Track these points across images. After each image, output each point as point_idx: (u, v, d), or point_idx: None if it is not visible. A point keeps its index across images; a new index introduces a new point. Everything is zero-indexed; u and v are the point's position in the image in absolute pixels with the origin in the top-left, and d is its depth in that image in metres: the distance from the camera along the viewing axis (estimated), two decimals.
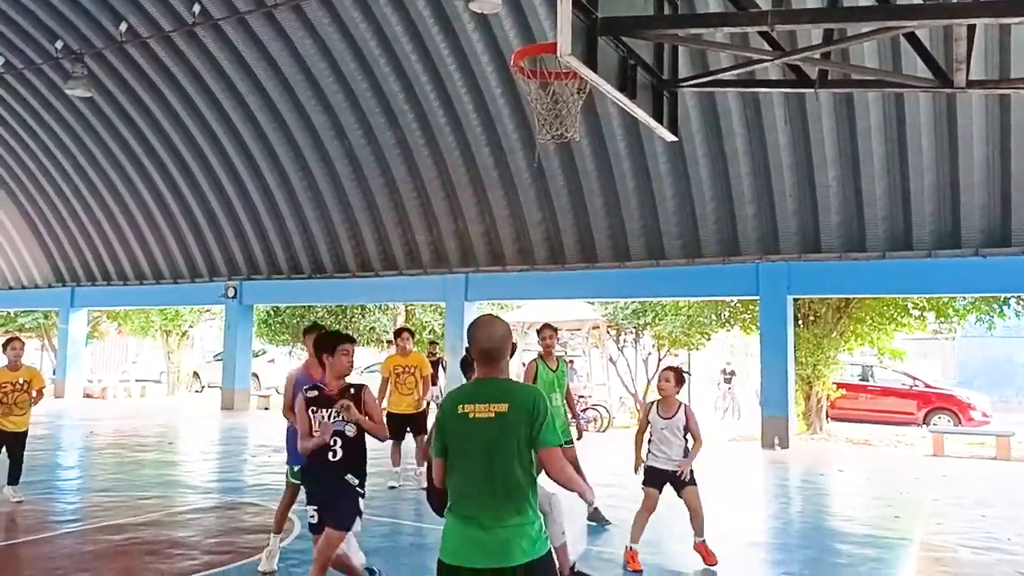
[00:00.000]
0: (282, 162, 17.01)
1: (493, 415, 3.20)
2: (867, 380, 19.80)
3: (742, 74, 7.36)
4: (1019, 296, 14.70)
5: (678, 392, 6.12)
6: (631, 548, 5.99)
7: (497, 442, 3.17)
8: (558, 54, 5.00)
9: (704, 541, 6.02)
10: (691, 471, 6.01)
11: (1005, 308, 15.40)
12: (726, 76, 7.48)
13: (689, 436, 6.03)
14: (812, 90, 6.79)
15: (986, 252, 12.17)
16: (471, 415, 3.22)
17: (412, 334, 9.74)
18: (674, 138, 6.68)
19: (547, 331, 7.05)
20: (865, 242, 13.03)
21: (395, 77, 14.65)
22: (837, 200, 12.99)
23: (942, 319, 16.74)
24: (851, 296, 15.11)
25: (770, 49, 6.55)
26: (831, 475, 11.36)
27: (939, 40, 9.23)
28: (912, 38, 6.58)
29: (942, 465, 12.32)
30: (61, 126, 19.00)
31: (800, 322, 15.58)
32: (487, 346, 3.32)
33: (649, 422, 6.09)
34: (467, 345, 3.55)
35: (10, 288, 23.90)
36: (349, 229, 17.46)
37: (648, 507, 6.00)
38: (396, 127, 15.43)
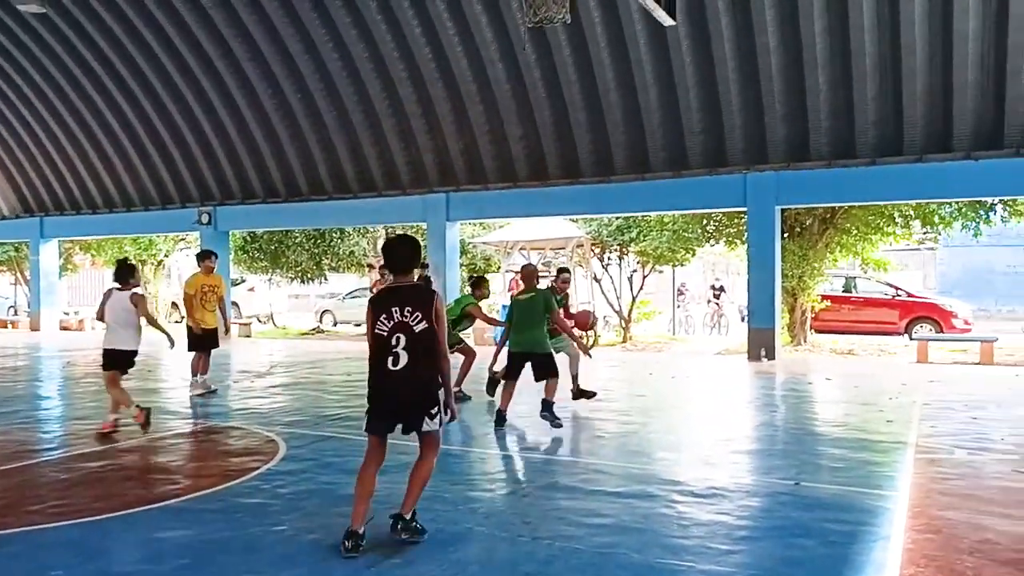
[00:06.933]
0: (251, 80, 16.28)
1: (526, 298, 7.78)
2: (850, 291, 19.85)
3: None
4: (1006, 201, 14.54)
5: None
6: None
7: (533, 307, 7.66)
8: None
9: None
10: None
11: (991, 214, 15.26)
12: None
13: None
14: None
15: (978, 155, 11.94)
16: (522, 298, 7.79)
17: (216, 256, 10.50)
18: (672, 22, 6.28)
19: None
20: (855, 148, 12.74)
21: None
22: (828, 105, 12.62)
23: (928, 227, 16.62)
24: (839, 205, 14.90)
25: None
26: (819, 383, 11.37)
27: None
28: None
29: (928, 371, 12.37)
30: (17, 47, 18.02)
31: (786, 234, 15.40)
32: (525, 273, 8.16)
33: None
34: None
35: None
36: (324, 149, 16.90)
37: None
38: (369, 40, 14.72)
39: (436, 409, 4.31)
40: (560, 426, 7.45)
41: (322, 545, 4.35)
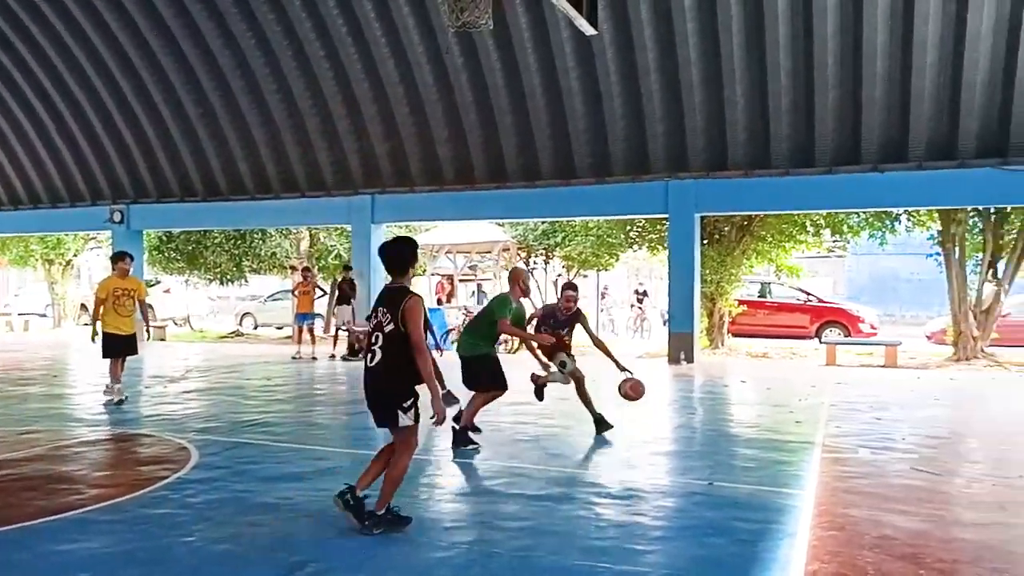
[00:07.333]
0: (168, 75, 15.74)
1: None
2: (765, 296, 20.54)
3: None
4: (910, 211, 15.28)
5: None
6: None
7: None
8: None
9: None
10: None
11: (896, 224, 16.02)
12: None
13: None
14: None
15: (884, 168, 12.52)
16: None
17: (132, 258, 9.82)
18: (594, 32, 6.37)
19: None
20: (770, 159, 13.18)
21: None
22: (745, 116, 13.03)
23: (837, 235, 17.35)
24: (755, 213, 15.40)
25: None
26: (735, 386, 11.71)
27: None
28: None
29: (836, 374, 12.89)
30: None
31: (705, 241, 15.83)
32: (510, 275, 7.42)
33: None
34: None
35: None
36: (245, 148, 16.47)
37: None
38: (293, 38, 14.43)
39: (409, 403, 4.49)
40: (477, 451, 6.82)
41: (232, 555, 4.24)
